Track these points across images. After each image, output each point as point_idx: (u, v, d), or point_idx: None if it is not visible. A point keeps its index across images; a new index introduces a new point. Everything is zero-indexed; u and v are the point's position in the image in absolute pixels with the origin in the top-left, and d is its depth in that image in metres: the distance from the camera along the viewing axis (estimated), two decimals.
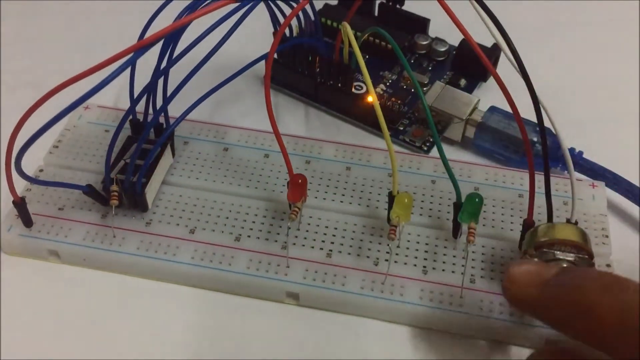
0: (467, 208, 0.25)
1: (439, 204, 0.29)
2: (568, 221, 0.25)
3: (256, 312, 0.26)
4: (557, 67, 0.36)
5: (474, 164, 0.30)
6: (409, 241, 0.27)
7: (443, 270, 0.26)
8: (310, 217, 0.28)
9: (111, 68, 0.21)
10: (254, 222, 0.28)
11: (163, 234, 0.27)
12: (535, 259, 0.24)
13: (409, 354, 0.25)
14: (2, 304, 0.26)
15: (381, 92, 0.34)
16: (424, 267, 0.26)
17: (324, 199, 0.29)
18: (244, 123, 0.32)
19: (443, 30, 0.36)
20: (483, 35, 0.26)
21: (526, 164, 0.25)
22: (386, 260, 0.26)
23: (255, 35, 0.32)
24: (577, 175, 0.29)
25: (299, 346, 0.25)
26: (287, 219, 0.27)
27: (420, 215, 0.28)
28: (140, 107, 0.28)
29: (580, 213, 0.28)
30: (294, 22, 0.30)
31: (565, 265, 0.23)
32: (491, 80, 0.34)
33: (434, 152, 0.32)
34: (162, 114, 0.28)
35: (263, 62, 0.29)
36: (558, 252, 0.24)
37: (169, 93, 0.27)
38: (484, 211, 0.27)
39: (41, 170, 0.29)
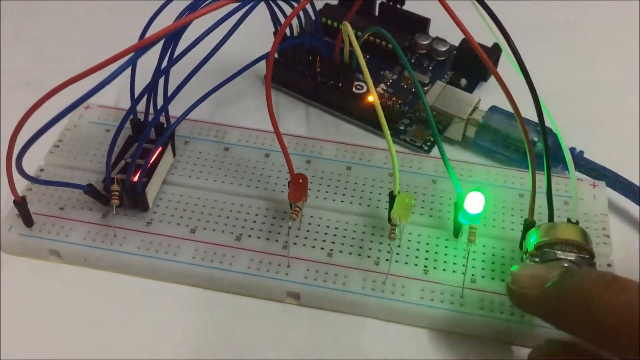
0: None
1: (440, 204, 0.29)
2: (569, 221, 0.25)
3: (257, 312, 0.26)
4: (558, 66, 0.36)
5: (475, 164, 0.30)
6: (409, 241, 0.27)
7: (444, 269, 0.26)
8: (311, 216, 0.28)
9: (112, 68, 0.21)
10: (254, 221, 0.28)
11: (164, 233, 0.27)
12: (537, 260, 0.24)
13: (409, 353, 0.25)
14: (2, 304, 0.26)
15: (382, 92, 0.34)
16: (425, 266, 0.26)
17: (325, 198, 0.29)
18: (245, 123, 0.32)
19: (443, 30, 0.36)
20: (483, 34, 0.26)
21: (527, 164, 0.25)
22: (387, 259, 0.26)
23: (256, 35, 0.32)
24: (577, 175, 0.29)
25: (299, 346, 0.25)
26: (288, 219, 0.27)
27: (421, 215, 0.28)
28: (141, 106, 0.28)
29: (581, 213, 0.28)
30: (294, 22, 0.30)
31: (566, 265, 0.23)
32: (492, 79, 0.34)
33: (435, 151, 0.32)
34: (163, 114, 0.28)
35: (264, 61, 0.29)
36: (559, 252, 0.24)
37: (169, 93, 0.27)
38: (485, 211, 0.27)
39: (42, 170, 0.29)
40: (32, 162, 0.28)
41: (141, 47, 0.21)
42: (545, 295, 0.21)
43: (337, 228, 0.28)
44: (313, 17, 0.30)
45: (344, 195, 0.29)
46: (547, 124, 0.25)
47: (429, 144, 0.32)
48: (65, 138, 0.31)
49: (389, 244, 0.26)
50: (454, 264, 0.27)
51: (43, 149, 0.30)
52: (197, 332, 0.26)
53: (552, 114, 0.27)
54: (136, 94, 0.27)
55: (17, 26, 0.38)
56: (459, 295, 0.26)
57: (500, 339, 0.26)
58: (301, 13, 0.30)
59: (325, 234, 0.27)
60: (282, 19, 0.30)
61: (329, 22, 0.36)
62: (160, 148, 0.28)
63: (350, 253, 0.27)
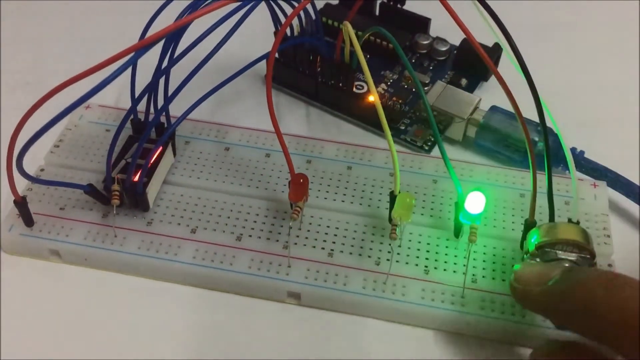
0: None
1: (440, 204, 0.28)
2: (570, 221, 0.25)
3: (257, 312, 0.26)
4: (559, 66, 0.36)
5: (476, 164, 0.30)
6: (410, 241, 0.27)
7: (444, 269, 0.26)
8: (312, 216, 0.28)
9: (112, 68, 0.21)
10: (255, 221, 0.28)
11: (164, 233, 0.27)
12: (538, 261, 0.24)
13: (410, 353, 0.25)
14: (3, 304, 0.26)
15: (382, 92, 0.34)
16: (426, 266, 0.26)
17: (325, 198, 0.29)
18: (245, 122, 0.32)
19: (444, 30, 0.36)
20: (484, 34, 0.26)
21: (527, 164, 0.25)
22: (387, 260, 0.26)
23: (256, 35, 0.32)
24: (578, 174, 0.29)
25: (300, 346, 0.25)
26: (289, 219, 0.27)
27: (422, 214, 0.28)
28: (141, 106, 0.28)
29: (581, 213, 0.28)
30: (295, 22, 0.30)
31: (567, 265, 0.23)
32: (492, 79, 0.34)
33: (436, 151, 0.32)
34: (163, 114, 0.28)
35: (264, 61, 0.29)
36: (560, 252, 0.24)
37: (170, 92, 0.27)
38: (486, 211, 0.27)
39: (42, 170, 0.29)
40: (33, 162, 0.28)
41: (141, 47, 0.21)
42: (548, 293, 0.22)
43: (337, 228, 0.28)
44: (314, 17, 0.30)
45: (344, 195, 0.29)
46: (548, 123, 0.25)
47: (429, 143, 0.32)
48: (65, 138, 0.31)
49: (390, 244, 0.26)
50: (455, 264, 0.27)
51: (43, 148, 0.30)
52: (198, 332, 0.26)
53: (553, 113, 0.27)
54: (136, 94, 0.27)
55: (17, 26, 0.38)
56: (460, 295, 0.26)
57: (501, 339, 0.26)
58: (302, 13, 0.30)
59: (326, 234, 0.27)
60: (282, 19, 0.30)
61: (330, 22, 0.36)
62: (160, 148, 0.28)
63: (350, 253, 0.27)
